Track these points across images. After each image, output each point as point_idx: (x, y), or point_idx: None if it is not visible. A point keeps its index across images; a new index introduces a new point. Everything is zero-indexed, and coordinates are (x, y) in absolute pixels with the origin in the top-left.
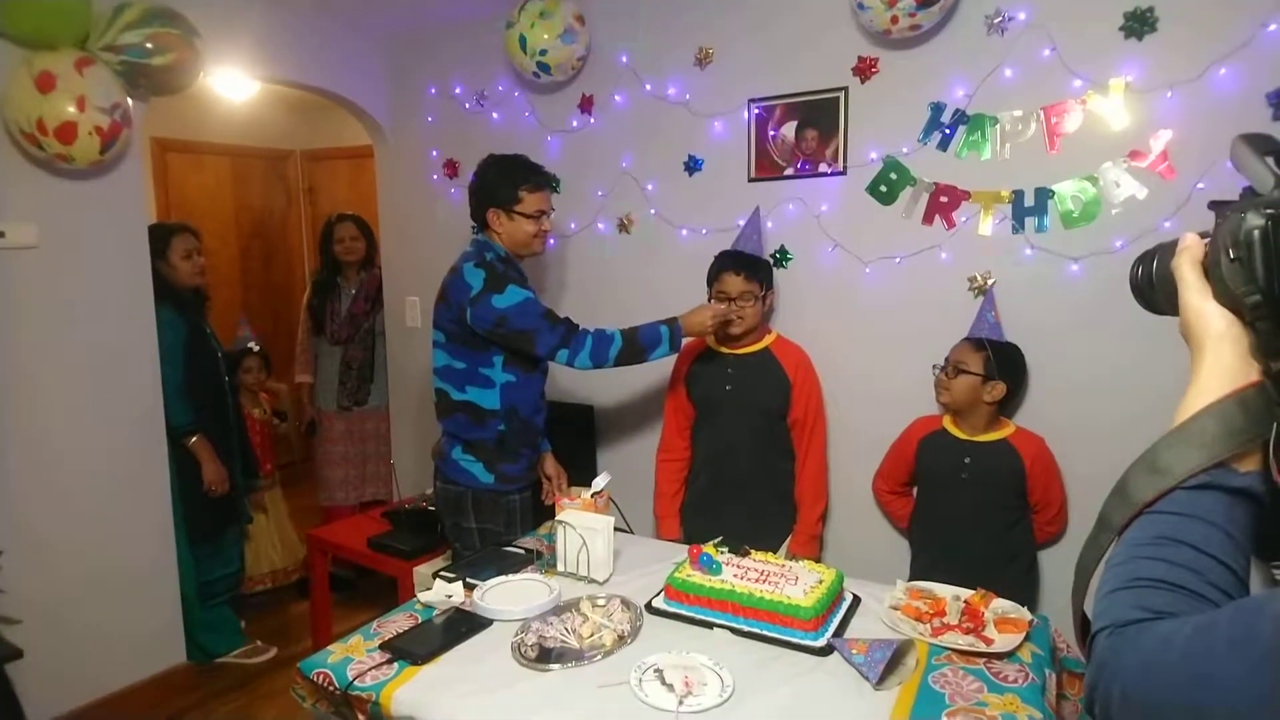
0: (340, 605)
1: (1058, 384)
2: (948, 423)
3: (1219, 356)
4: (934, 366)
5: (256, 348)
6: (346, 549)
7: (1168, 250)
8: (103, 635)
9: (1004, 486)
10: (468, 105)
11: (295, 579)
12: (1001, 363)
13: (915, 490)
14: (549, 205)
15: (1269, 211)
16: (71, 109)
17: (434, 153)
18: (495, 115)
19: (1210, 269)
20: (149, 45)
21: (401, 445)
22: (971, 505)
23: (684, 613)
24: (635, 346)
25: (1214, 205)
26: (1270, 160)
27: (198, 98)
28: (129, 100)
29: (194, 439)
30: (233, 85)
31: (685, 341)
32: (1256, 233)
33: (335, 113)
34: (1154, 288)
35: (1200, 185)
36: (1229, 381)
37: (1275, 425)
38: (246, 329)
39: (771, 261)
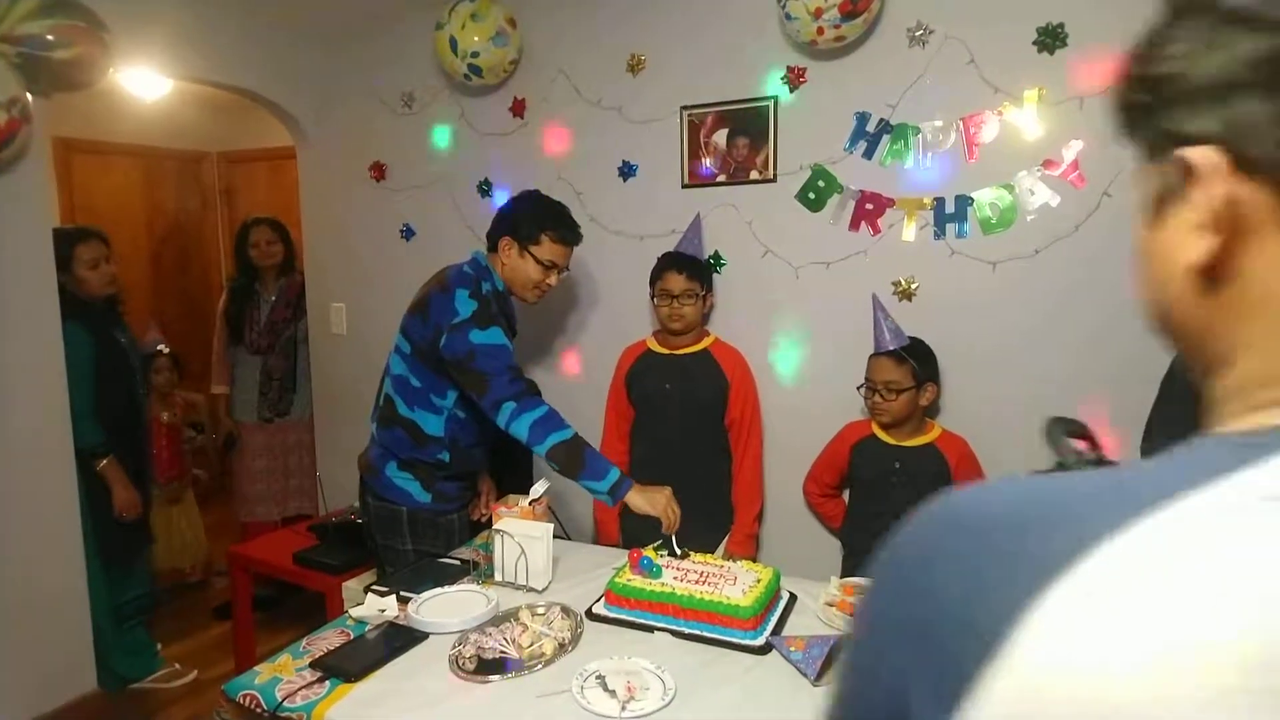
0: (263, 625)
1: (979, 386)
2: (876, 429)
3: None
4: (858, 388)
5: (166, 350)
6: (270, 565)
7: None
8: (6, 665)
9: (933, 489)
10: (395, 107)
11: (195, 580)
12: (924, 365)
13: (846, 493)
14: (565, 262)
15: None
16: None
17: (359, 155)
18: (424, 117)
19: None
20: (50, 37)
21: (326, 457)
22: (903, 507)
23: (625, 617)
24: (576, 455)
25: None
26: (1069, 442)
27: (105, 95)
28: (28, 96)
29: (104, 462)
30: (144, 83)
31: (627, 352)
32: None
33: (254, 112)
34: None
35: (1108, 193)
36: None
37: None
38: (155, 331)
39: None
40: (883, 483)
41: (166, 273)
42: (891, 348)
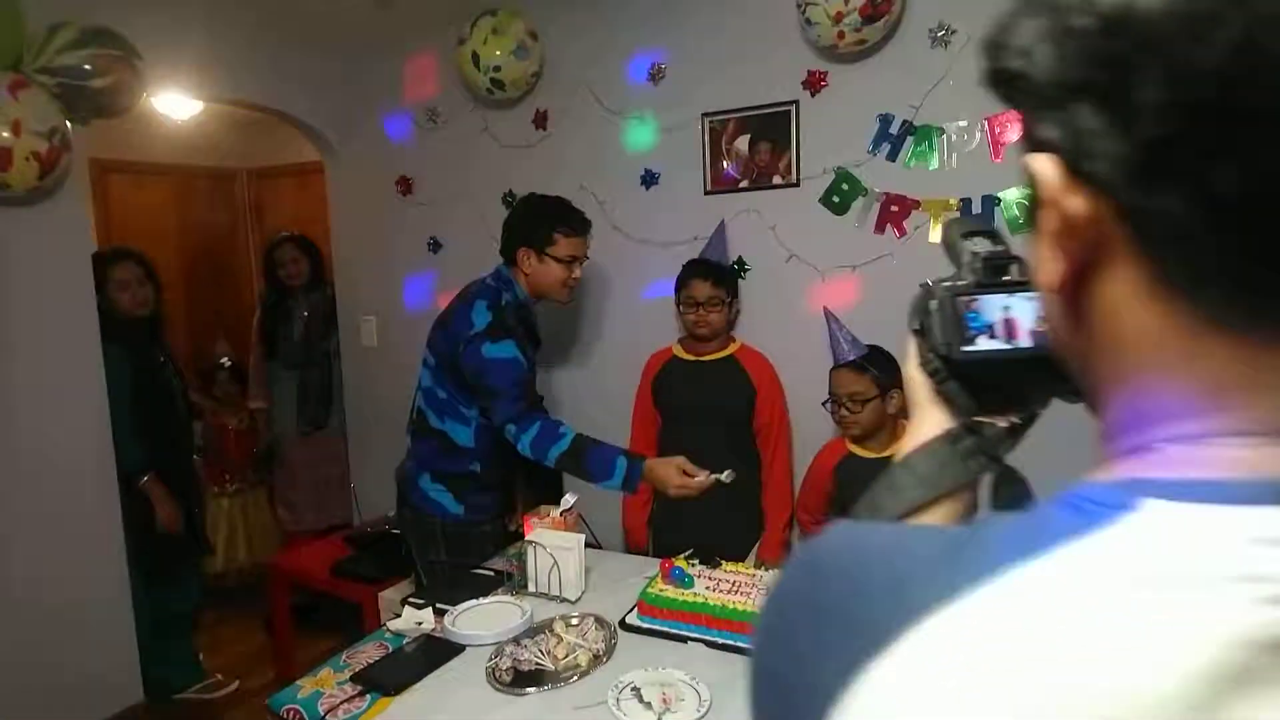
0: (302, 634)
1: None
2: (852, 445)
3: (921, 422)
4: (823, 404)
5: (228, 362)
6: (309, 576)
7: None
8: (56, 678)
9: None
10: (420, 122)
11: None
12: (886, 373)
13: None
14: (584, 252)
15: (944, 284)
16: (6, 134)
17: (386, 170)
18: (449, 132)
19: None
20: (87, 67)
21: (360, 468)
22: None
23: (658, 628)
24: (580, 460)
25: (924, 285)
26: (972, 240)
27: (138, 118)
28: (68, 124)
29: (145, 479)
30: (176, 105)
31: (649, 363)
32: (933, 303)
33: (281, 129)
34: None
35: None
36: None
37: (991, 475)
38: (223, 344)
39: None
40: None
41: (200, 287)
42: (851, 358)
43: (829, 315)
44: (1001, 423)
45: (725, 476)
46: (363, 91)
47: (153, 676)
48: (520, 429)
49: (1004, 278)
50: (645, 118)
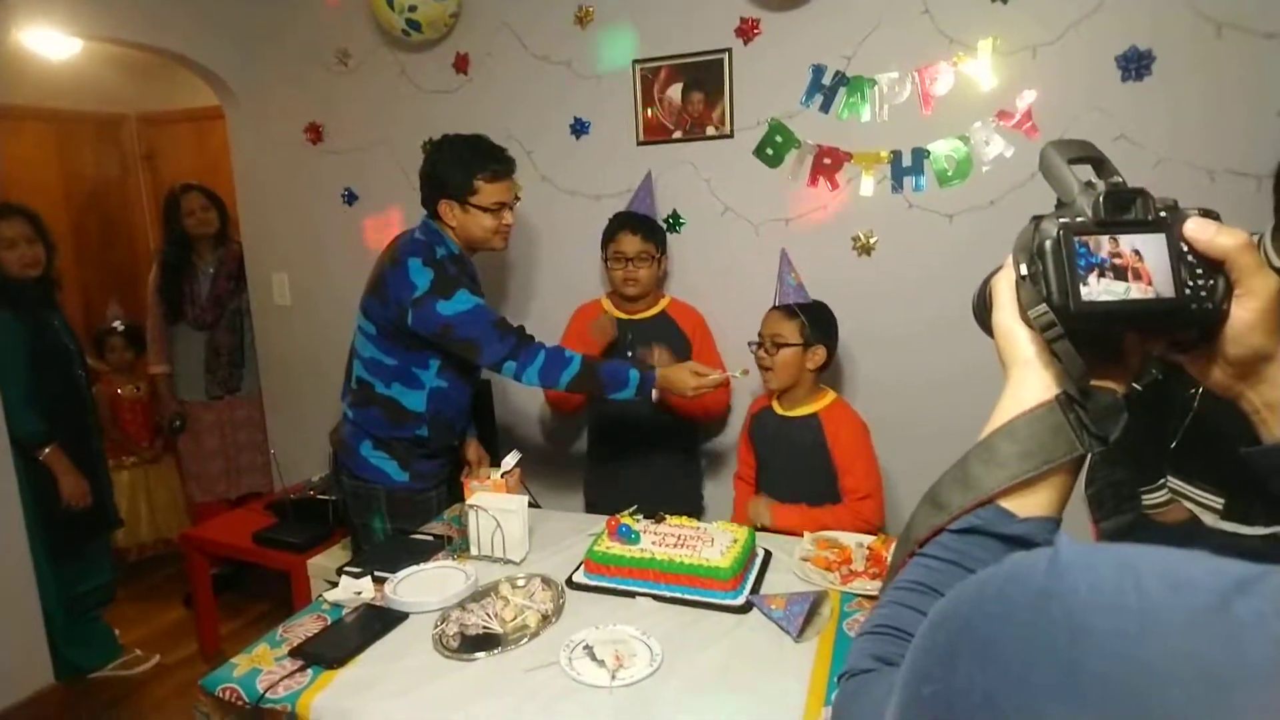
0: (224, 605)
1: (942, 341)
2: (774, 401)
3: (1020, 384)
4: (750, 344)
5: (121, 326)
6: (229, 546)
7: (997, 271)
8: None
9: (806, 462)
10: (329, 65)
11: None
12: (816, 327)
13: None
14: (510, 196)
15: (1063, 220)
16: None
17: (293, 116)
18: (360, 75)
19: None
20: None
21: (278, 432)
22: (780, 484)
23: (606, 585)
24: (595, 378)
25: (1035, 219)
26: (1076, 168)
27: (8, 55)
28: None
29: (47, 450)
30: (50, 42)
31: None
32: (1048, 243)
33: (176, 71)
34: (986, 311)
35: None
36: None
37: (1088, 460)
38: (115, 306)
39: (665, 226)
40: (771, 456)
41: (89, 245)
42: (786, 302)
43: (784, 258)
44: (1119, 390)
45: (739, 373)
46: (264, 31)
47: (66, 658)
48: (522, 363)
49: (1128, 215)
50: (571, 63)
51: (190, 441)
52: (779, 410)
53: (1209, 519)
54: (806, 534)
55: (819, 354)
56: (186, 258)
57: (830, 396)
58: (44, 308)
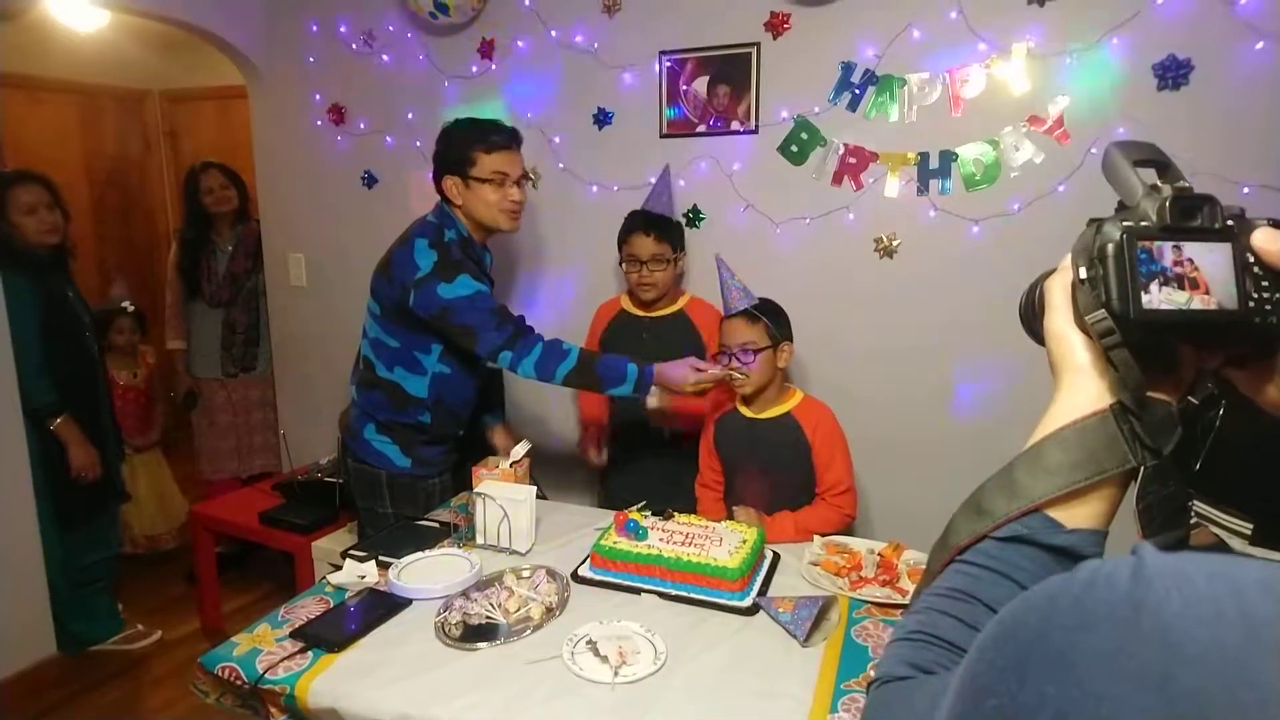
0: (227, 583)
1: (960, 345)
2: (739, 404)
3: (1072, 391)
4: (713, 355)
5: (131, 308)
6: (235, 525)
7: (1050, 273)
8: None
9: (788, 463)
10: (354, 45)
11: (172, 547)
12: (778, 324)
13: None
14: (512, 168)
15: (1126, 224)
16: None
17: (317, 97)
18: (385, 57)
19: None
20: None
21: (289, 413)
22: (759, 488)
23: (611, 580)
24: (591, 374)
25: (1095, 222)
26: (1141, 171)
27: (34, 26)
28: None
29: (59, 421)
30: (77, 13)
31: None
32: (1110, 246)
33: (201, 48)
34: (1035, 315)
35: (1093, 150)
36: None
37: (1140, 472)
38: (120, 287)
39: (684, 221)
40: (742, 461)
41: (109, 220)
42: (742, 307)
43: (720, 263)
44: (1174, 403)
45: (740, 373)
46: (291, 9)
47: (69, 629)
48: (518, 354)
49: (1194, 222)
50: (597, 52)
51: (203, 418)
52: (749, 413)
53: (1237, 544)
54: (816, 538)
55: (787, 350)
56: (205, 235)
57: (799, 394)
58: (59, 278)
